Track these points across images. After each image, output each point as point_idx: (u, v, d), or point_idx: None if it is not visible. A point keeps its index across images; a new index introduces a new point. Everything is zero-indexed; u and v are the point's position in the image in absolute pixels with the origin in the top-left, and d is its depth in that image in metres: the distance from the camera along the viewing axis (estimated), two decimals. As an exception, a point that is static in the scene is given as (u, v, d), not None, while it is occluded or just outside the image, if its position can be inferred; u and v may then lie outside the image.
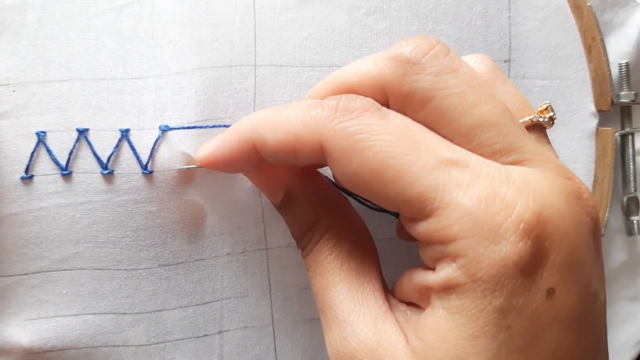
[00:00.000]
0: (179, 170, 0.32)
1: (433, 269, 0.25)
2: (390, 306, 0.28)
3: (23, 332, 0.33)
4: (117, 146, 0.32)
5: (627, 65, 0.38)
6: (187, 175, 0.32)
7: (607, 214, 0.37)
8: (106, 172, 0.32)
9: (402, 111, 0.27)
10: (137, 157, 0.32)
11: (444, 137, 0.26)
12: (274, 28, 0.34)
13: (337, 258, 0.29)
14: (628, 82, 0.37)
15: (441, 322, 0.24)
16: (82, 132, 0.32)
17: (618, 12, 0.38)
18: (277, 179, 0.31)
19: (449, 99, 0.26)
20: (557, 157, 0.29)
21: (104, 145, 0.32)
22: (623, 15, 0.38)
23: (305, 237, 0.30)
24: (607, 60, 0.37)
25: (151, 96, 0.32)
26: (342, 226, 0.30)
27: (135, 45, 0.33)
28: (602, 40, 0.36)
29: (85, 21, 0.33)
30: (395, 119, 0.26)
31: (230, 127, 0.30)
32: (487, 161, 0.25)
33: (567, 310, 0.24)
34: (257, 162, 0.29)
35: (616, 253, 0.39)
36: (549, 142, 0.30)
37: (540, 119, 0.29)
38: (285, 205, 0.31)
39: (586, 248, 0.25)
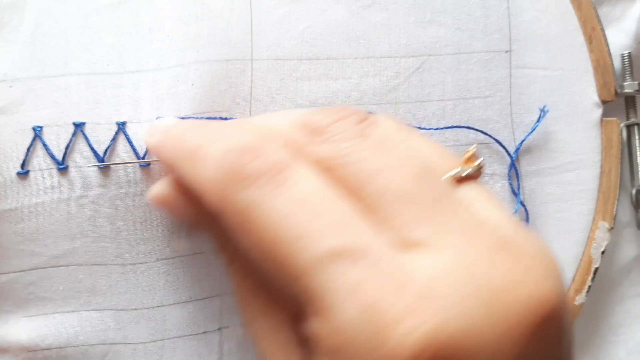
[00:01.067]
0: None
1: None
2: (303, 341, 0.25)
3: (21, 330, 0.32)
4: (114, 139, 0.32)
5: (629, 55, 0.37)
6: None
7: (615, 206, 0.36)
8: (102, 165, 0.32)
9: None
10: (134, 150, 0.32)
11: (355, 203, 0.23)
12: (270, 22, 0.33)
13: (248, 290, 0.27)
14: (631, 72, 0.37)
15: None
16: (79, 126, 0.32)
17: (616, 5, 0.38)
18: (178, 213, 0.29)
19: (351, 167, 0.23)
20: (499, 209, 0.24)
21: (101, 138, 0.32)
22: (621, 8, 0.38)
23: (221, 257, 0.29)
24: (609, 50, 0.36)
25: (148, 90, 0.32)
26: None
27: (132, 39, 0.33)
28: (602, 30, 0.36)
29: (83, 17, 0.33)
30: (295, 186, 0.23)
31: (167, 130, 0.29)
32: (387, 252, 0.21)
33: None
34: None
35: (626, 248, 0.39)
36: (486, 191, 0.25)
37: (466, 172, 0.25)
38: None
39: (517, 355, 0.20)
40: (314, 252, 0.21)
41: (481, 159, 0.25)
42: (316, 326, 0.21)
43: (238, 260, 0.27)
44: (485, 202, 0.24)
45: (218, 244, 0.28)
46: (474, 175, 0.25)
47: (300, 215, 0.22)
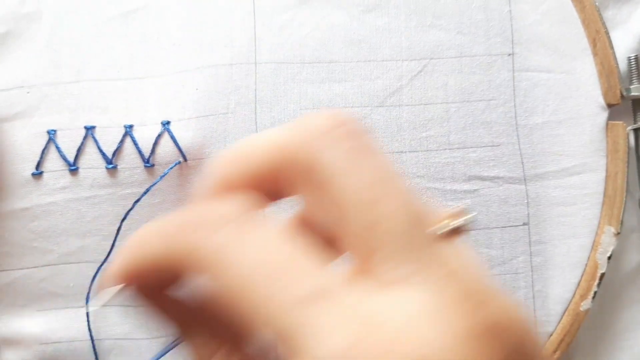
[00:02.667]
0: (183, 163, 0.33)
1: None
2: None
3: (34, 323, 0.34)
4: (121, 142, 0.33)
5: (636, 58, 0.37)
6: (189, 169, 0.33)
7: (622, 211, 0.36)
8: (110, 166, 0.33)
9: (295, 192, 0.23)
10: (140, 152, 0.33)
11: (333, 233, 0.22)
12: (274, 28, 0.34)
13: None
14: (638, 75, 0.36)
15: None
16: (89, 130, 0.33)
17: (622, 8, 0.38)
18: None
19: (348, 189, 0.22)
20: (471, 270, 0.23)
21: (109, 141, 0.33)
22: (627, 11, 0.38)
23: None
24: (614, 53, 0.36)
25: (155, 94, 0.34)
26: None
27: (141, 47, 0.34)
28: (607, 33, 0.36)
29: (95, 27, 0.34)
30: (264, 233, 0.21)
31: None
32: (364, 292, 0.21)
33: None
34: None
35: (632, 253, 0.38)
36: (461, 252, 0.24)
37: (447, 227, 0.23)
38: None
39: None
40: (287, 296, 0.20)
41: (470, 215, 0.23)
42: None
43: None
44: (460, 256, 0.23)
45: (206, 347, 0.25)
46: (458, 232, 0.23)
47: (270, 262, 0.21)
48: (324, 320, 0.20)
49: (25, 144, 0.33)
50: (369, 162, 0.22)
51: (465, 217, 0.23)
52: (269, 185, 0.23)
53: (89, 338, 0.34)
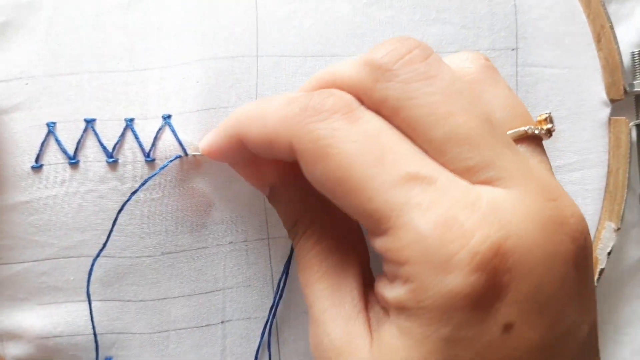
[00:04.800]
0: (183, 158, 0.33)
1: (390, 282, 0.25)
2: (368, 305, 0.27)
3: (35, 317, 0.33)
4: (122, 135, 0.33)
5: (639, 53, 0.37)
6: (190, 164, 0.33)
7: (623, 207, 0.36)
8: (111, 160, 0.33)
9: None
10: (140, 146, 0.33)
11: (418, 147, 0.25)
12: (276, 19, 0.34)
13: (318, 255, 0.28)
14: (642, 71, 0.36)
15: (393, 339, 0.24)
16: (90, 123, 0.33)
17: (625, 3, 0.38)
18: (261, 175, 0.31)
19: (419, 110, 0.24)
20: (550, 172, 0.27)
21: (110, 134, 0.33)
22: (630, 6, 0.38)
23: (291, 232, 0.30)
24: (618, 48, 0.36)
25: (155, 87, 0.33)
26: (324, 223, 0.29)
27: (141, 38, 0.34)
28: (611, 27, 0.36)
29: (95, 17, 0.34)
30: (367, 123, 0.25)
31: (224, 119, 0.30)
32: (456, 180, 0.24)
33: (527, 346, 0.23)
34: (247, 154, 0.29)
35: (632, 248, 0.38)
36: (543, 154, 0.27)
37: (536, 131, 0.27)
38: (272, 200, 0.31)
39: (559, 280, 0.23)
40: (391, 174, 0.23)
41: (551, 125, 0.27)
42: (391, 240, 0.23)
43: (317, 222, 0.29)
44: (539, 161, 0.27)
45: (298, 207, 0.30)
46: (539, 137, 0.27)
47: (375, 144, 0.24)
48: (423, 197, 0.23)
49: (25, 137, 0.33)
50: (436, 83, 0.25)
51: (548, 126, 0.27)
52: None
53: (90, 332, 0.33)
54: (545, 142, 0.36)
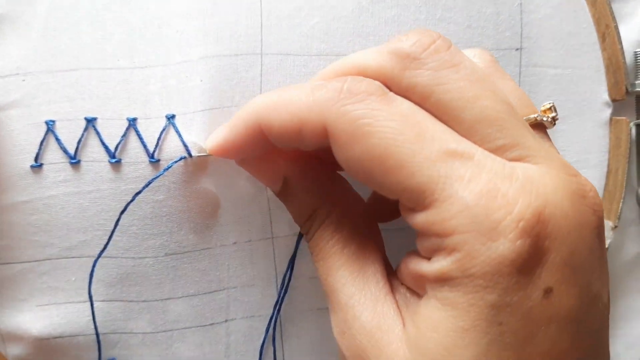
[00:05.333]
0: (188, 159, 0.32)
1: (429, 259, 0.25)
2: (392, 288, 0.28)
3: (35, 318, 0.33)
4: (125, 135, 0.32)
5: (642, 53, 0.37)
6: (194, 165, 0.32)
7: (620, 205, 0.37)
8: (114, 160, 0.32)
9: None
10: (144, 146, 0.32)
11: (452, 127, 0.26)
12: (280, 17, 0.33)
13: (338, 243, 0.29)
14: (644, 71, 0.37)
15: (434, 312, 0.24)
16: (90, 121, 0.32)
17: (628, 1, 0.38)
18: (274, 169, 0.31)
19: (449, 94, 0.26)
20: (559, 155, 0.28)
21: (112, 134, 0.32)
22: (633, 4, 0.38)
23: (306, 224, 0.30)
24: (622, 48, 0.36)
25: (157, 85, 0.32)
26: (341, 211, 0.29)
27: (142, 34, 0.33)
28: (616, 27, 0.36)
29: (94, 12, 0.33)
30: (402, 105, 0.26)
31: (237, 112, 0.30)
32: (491, 155, 0.25)
33: (565, 311, 0.24)
34: (265, 146, 0.29)
35: (630, 245, 0.39)
36: (550, 140, 0.29)
37: (544, 119, 0.28)
38: (284, 194, 0.31)
39: (589, 248, 0.25)
40: (432, 150, 0.24)
41: (555, 113, 0.29)
42: (436, 212, 0.24)
43: (336, 210, 0.29)
44: (549, 145, 0.28)
45: (316, 196, 0.30)
46: (546, 124, 0.29)
47: (414, 123, 0.25)
48: (465, 171, 0.24)
49: (23, 135, 0.32)
50: (461, 69, 0.26)
51: (553, 114, 0.29)
52: None
53: (92, 332, 0.33)
54: (546, 142, 0.36)
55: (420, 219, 0.25)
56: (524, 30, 0.35)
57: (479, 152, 0.25)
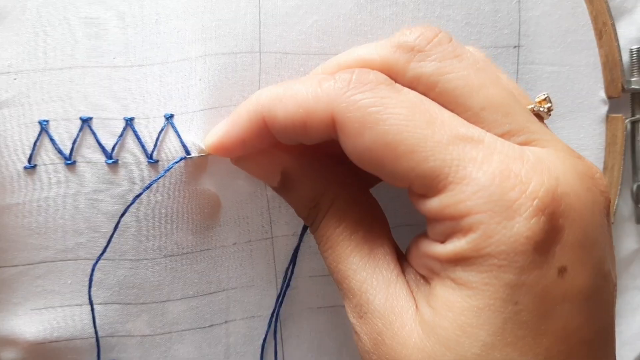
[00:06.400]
0: (187, 159, 0.32)
1: (442, 242, 0.25)
2: (403, 270, 0.28)
3: (29, 322, 0.33)
4: (122, 135, 0.32)
5: (638, 50, 0.37)
6: (194, 165, 0.32)
7: (616, 201, 0.37)
8: (111, 161, 0.31)
9: None
10: (142, 147, 0.32)
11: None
12: (279, 15, 0.33)
13: (346, 229, 0.29)
14: (639, 68, 0.37)
15: (448, 292, 0.25)
16: (86, 121, 0.32)
17: None
18: (271, 163, 0.30)
19: (455, 82, 0.26)
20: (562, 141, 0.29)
21: (108, 134, 0.32)
22: (631, 2, 0.38)
23: (311, 214, 0.30)
24: (618, 45, 0.36)
25: (155, 84, 0.32)
26: (347, 196, 0.29)
27: (138, 32, 0.32)
28: (613, 25, 0.36)
29: (87, 7, 0.32)
30: (409, 93, 0.26)
31: (238, 107, 0.29)
32: (500, 139, 0.25)
33: (578, 289, 0.24)
34: (266, 141, 0.29)
35: (626, 241, 0.39)
36: (549, 129, 0.29)
37: (541, 109, 0.29)
38: (284, 187, 0.31)
39: (599, 227, 0.25)
40: (444, 134, 0.25)
41: (550, 104, 0.29)
42: (451, 195, 0.24)
43: (341, 196, 0.29)
44: (552, 133, 0.28)
45: (319, 184, 0.30)
46: (542, 115, 0.29)
47: (423, 109, 0.25)
48: (477, 153, 0.24)
49: (16, 135, 0.31)
50: (464, 60, 0.27)
51: (548, 105, 0.29)
52: None
53: (89, 336, 0.33)
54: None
55: (433, 204, 0.25)
56: (521, 28, 0.35)
57: (488, 136, 0.25)
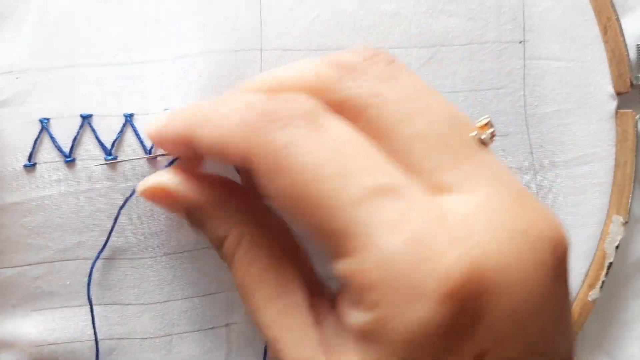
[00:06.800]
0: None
1: (353, 307, 0.23)
2: (320, 317, 0.25)
3: (28, 324, 0.32)
4: (121, 132, 0.31)
5: (645, 45, 0.36)
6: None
7: (630, 200, 0.36)
8: (110, 158, 0.31)
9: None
10: (141, 142, 0.31)
11: (384, 150, 0.24)
12: (280, 11, 0.33)
13: (255, 276, 0.26)
14: (647, 63, 0.36)
15: (353, 356, 0.22)
16: (86, 118, 0.31)
17: None
18: (174, 202, 0.28)
19: (385, 108, 0.24)
20: (510, 176, 0.25)
21: (108, 131, 0.31)
22: None
23: (223, 255, 0.27)
24: (624, 40, 0.35)
25: (155, 81, 0.32)
26: (254, 236, 0.26)
27: (139, 29, 0.32)
28: (618, 20, 0.35)
29: (89, 7, 0.32)
30: (332, 130, 0.23)
31: (172, 114, 0.28)
32: (422, 194, 0.22)
33: None
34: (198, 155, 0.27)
35: (639, 242, 0.38)
36: (495, 158, 0.25)
37: (482, 136, 0.25)
38: (194, 224, 0.28)
39: (540, 296, 0.22)
40: (356, 188, 0.22)
41: (493, 129, 0.26)
42: (355, 262, 0.22)
43: (247, 237, 0.26)
44: (498, 163, 0.25)
45: (223, 223, 0.27)
46: (486, 142, 0.25)
47: (339, 155, 0.22)
48: (392, 213, 0.21)
49: (16, 134, 0.31)
50: (400, 84, 0.24)
51: (491, 130, 0.25)
52: None
53: (88, 338, 0.32)
54: (551, 136, 0.35)
55: (341, 266, 0.22)
56: (526, 23, 0.35)
57: (411, 188, 0.22)
